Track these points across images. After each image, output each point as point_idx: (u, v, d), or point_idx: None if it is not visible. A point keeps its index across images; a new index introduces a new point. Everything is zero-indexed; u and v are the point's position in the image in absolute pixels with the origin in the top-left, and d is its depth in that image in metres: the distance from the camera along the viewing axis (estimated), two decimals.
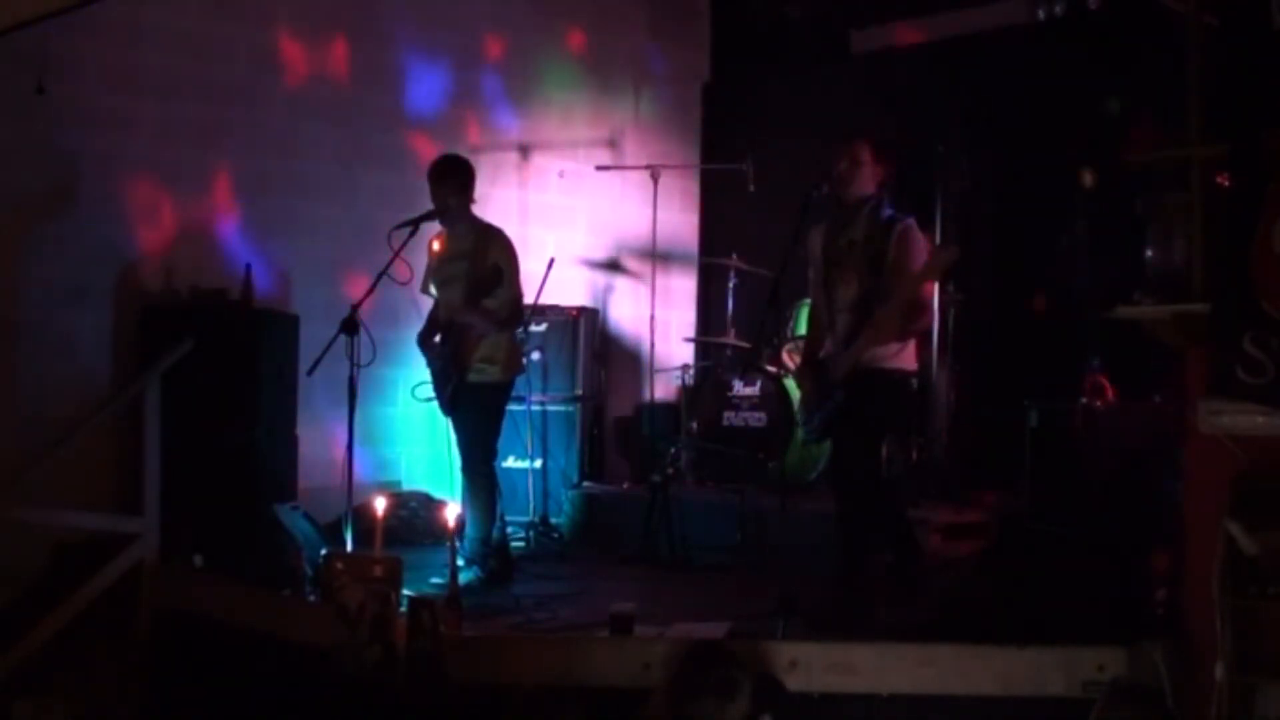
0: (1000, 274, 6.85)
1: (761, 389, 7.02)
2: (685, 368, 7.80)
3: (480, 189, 5.87)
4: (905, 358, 4.92)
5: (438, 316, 5.91)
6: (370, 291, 5.53)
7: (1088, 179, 6.02)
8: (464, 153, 6.08)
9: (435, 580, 5.43)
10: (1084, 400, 5.64)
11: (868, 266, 4.82)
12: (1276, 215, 3.60)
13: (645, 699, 3.91)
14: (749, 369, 7.16)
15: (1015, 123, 6.79)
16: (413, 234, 5.65)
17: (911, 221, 4.87)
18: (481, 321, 5.63)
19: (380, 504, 4.99)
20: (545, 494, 7.06)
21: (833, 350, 4.91)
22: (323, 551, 5.31)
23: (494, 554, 5.73)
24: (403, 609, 4.35)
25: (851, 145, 4.87)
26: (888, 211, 4.89)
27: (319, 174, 7.04)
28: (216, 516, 5.65)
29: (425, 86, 7.59)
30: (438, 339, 5.79)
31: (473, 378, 5.69)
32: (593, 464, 7.47)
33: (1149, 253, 4.04)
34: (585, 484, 7.28)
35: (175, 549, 5.50)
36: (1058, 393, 5.78)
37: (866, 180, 4.88)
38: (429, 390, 5.87)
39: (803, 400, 5.15)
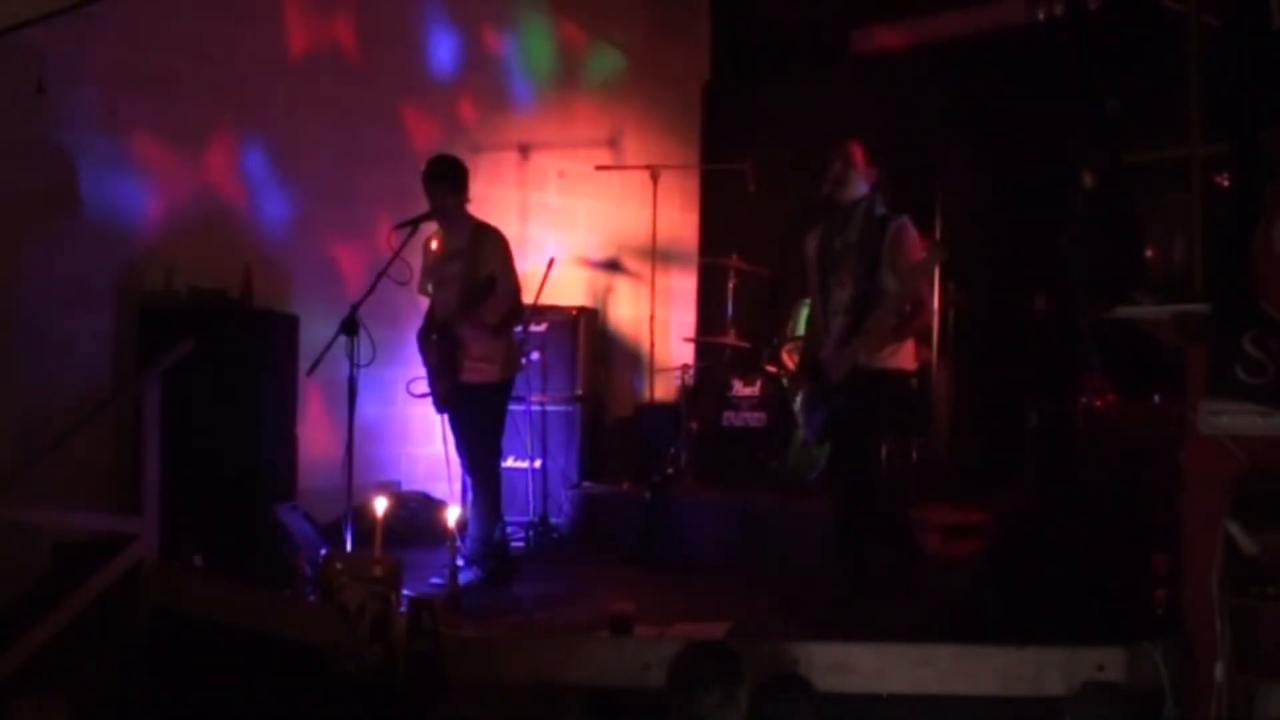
0: (1000, 274, 6.85)
1: (761, 389, 7.01)
2: (685, 368, 7.80)
3: (480, 189, 5.88)
4: (903, 358, 4.92)
5: (435, 315, 5.91)
6: (370, 291, 5.53)
7: (1088, 180, 6.02)
8: (464, 152, 6.08)
9: (435, 580, 5.43)
10: (1084, 400, 5.63)
11: (863, 267, 4.84)
12: (1276, 215, 3.60)
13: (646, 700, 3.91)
14: (749, 369, 7.17)
15: (1015, 123, 6.78)
16: (412, 234, 5.67)
17: (906, 220, 4.89)
18: (475, 334, 5.63)
19: (380, 504, 4.99)
20: (545, 494, 7.05)
21: (829, 352, 4.92)
22: (323, 551, 5.32)
23: (494, 554, 5.73)
24: (403, 609, 4.35)
25: (845, 148, 4.94)
26: (881, 211, 4.91)
27: (319, 174, 7.03)
28: (216, 516, 5.65)
29: (425, 86, 7.59)
30: (435, 338, 5.78)
31: (471, 377, 5.69)
32: (593, 464, 7.45)
33: (1149, 253, 4.05)
34: (585, 484, 7.27)
35: (175, 549, 5.50)
36: (1058, 393, 5.77)
37: (859, 181, 4.94)
38: (423, 385, 5.88)
39: (802, 401, 5.16)
